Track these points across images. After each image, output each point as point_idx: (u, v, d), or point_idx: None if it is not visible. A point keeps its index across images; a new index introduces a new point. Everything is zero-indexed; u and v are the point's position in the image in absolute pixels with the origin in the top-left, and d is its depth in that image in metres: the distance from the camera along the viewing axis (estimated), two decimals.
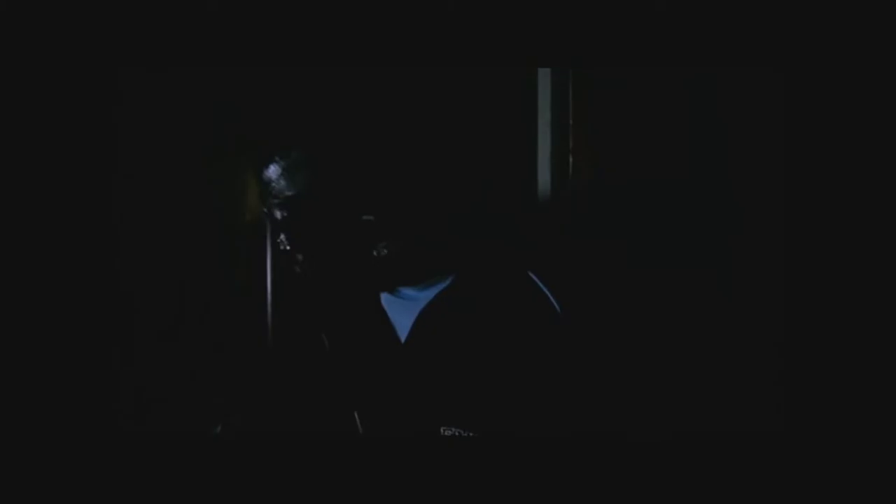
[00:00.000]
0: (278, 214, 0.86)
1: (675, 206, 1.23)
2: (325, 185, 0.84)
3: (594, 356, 0.88)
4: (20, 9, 1.15)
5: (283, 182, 0.85)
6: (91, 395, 1.22)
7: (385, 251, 0.85)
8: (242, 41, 1.28)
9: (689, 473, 0.94)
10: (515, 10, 1.18)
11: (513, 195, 1.30)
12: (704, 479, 0.98)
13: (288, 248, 0.87)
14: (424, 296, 0.93)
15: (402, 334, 0.95)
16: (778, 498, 0.99)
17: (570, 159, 1.26)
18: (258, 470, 1.02)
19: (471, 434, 0.88)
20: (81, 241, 1.24)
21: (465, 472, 0.88)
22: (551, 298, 0.87)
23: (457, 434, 0.88)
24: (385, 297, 0.97)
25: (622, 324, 0.93)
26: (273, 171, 0.86)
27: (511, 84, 1.31)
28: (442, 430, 0.89)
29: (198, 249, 1.52)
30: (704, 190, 1.23)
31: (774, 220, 1.11)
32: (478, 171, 1.06)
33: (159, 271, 1.48)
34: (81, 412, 1.20)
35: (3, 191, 1.15)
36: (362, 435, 1.02)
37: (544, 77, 1.28)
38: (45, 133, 1.20)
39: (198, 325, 1.51)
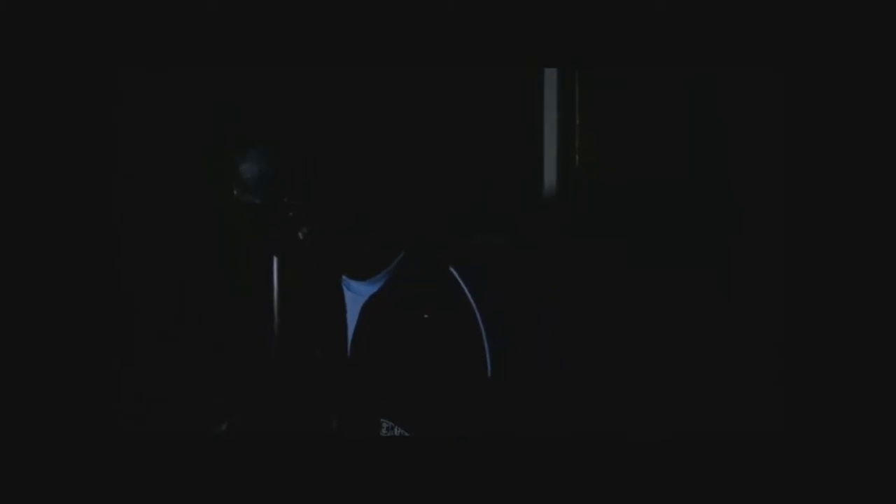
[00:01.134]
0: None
1: (677, 205, 1.23)
2: (321, 181, 0.87)
3: (595, 355, 0.88)
4: (20, 9, 1.15)
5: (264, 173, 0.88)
6: (91, 395, 1.22)
7: (304, 233, 0.88)
8: (242, 41, 1.28)
9: (689, 473, 0.94)
10: (515, 11, 1.18)
11: (518, 194, 1.30)
12: (704, 479, 0.98)
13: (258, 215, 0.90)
14: (367, 290, 0.96)
15: (350, 329, 0.98)
16: (778, 498, 0.99)
17: (577, 159, 1.26)
18: (258, 470, 1.02)
19: (401, 430, 0.89)
20: (81, 241, 1.24)
21: (462, 473, 0.88)
22: (470, 298, 0.88)
23: (390, 428, 0.90)
24: (346, 293, 1.00)
25: (622, 323, 0.93)
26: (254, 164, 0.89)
27: (518, 84, 1.31)
28: (381, 422, 0.91)
29: (198, 249, 1.52)
30: (704, 190, 1.23)
31: (774, 220, 1.11)
32: (483, 171, 1.07)
33: (159, 271, 1.48)
34: (81, 412, 1.19)
35: (4, 191, 1.15)
36: (336, 430, 1.03)
37: (550, 77, 1.28)
38: (46, 133, 1.19)
39: (198, 325, 1.51)
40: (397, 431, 0.89)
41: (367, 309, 0.95)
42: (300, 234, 0.88)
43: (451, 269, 0.89)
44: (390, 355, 0.91)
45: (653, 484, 0.88)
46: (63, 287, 1.21)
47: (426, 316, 0.89)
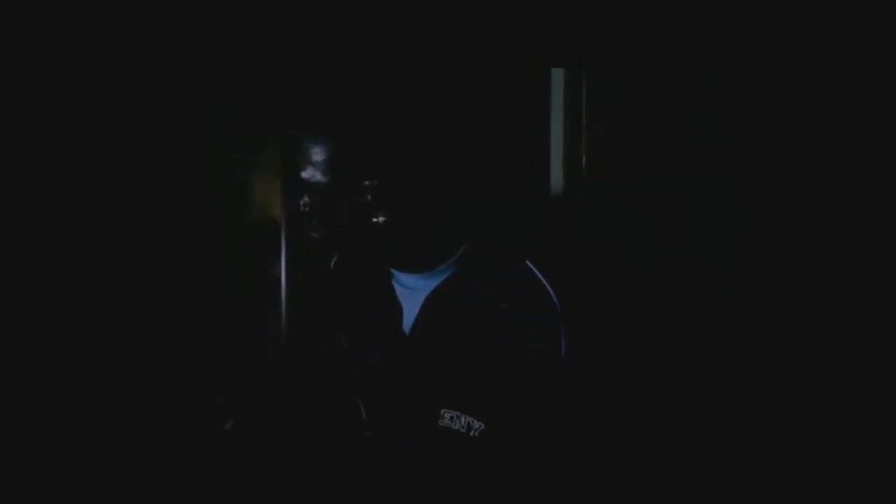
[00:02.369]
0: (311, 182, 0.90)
1: (678, 205, 1.23)
2: (351, 171, 0.88)
3: (595, 355, 0.88)
4: (20, 9, 1.15)
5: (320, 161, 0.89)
6: (91, 395, 1.22)
7: (382, 219, 0.88)
8: (242, 41, 1.28)
9: (689, 473, 0.94)
10: (514, 12, 1.18)
11: (525, 193, 1.30)
12: (704, 479, 0.98)
13: (307, 209, 0.91)
14: (428, 285, 0.95)
15: (408, 323, 0.97)
16: (778, 498, 0.99)
17: (584, 158, 1.26)
18: (258, 470, 1.02)
19: (469, 418, 0.89)
20: (81, 241, 1.24)
21: (465, 472, 0.88)
22: (549, 288, 0.88)
23: (456, 417, 0.90)
24: (396, 287, 0.99)
25: (624, 323, 0.94)
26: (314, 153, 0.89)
27: (526, 84, 1.31)
28: (442, 413, 0.90)
29: (198, 249, 1.52)
30: (705, 190, 1.23)
31: (774, 220, 1.11)
32: (491, 170, 1.07)
33: (159, 271, 1.48)
34: (81, 412, 1.20)
35: (4, 191, 1.15)
36: (365, 422, 1.03)
37: (557, 77, 1.28)
38: (46, 133, 1.19)
39: (198, 325, 1.51)
40: (464, 421, 0.89)
41: (433, 300, 0.95)
42: (377, 220, 0.88)
43: (528, 263, 0.90)
44: (460, 345, 0.91)
45: (653, 484, 0.88)
46: (63, 287, 1.21)
47: (503, 306, 0.89)
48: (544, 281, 0.88)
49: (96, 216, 1.27)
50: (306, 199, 0.91)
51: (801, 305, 1.02)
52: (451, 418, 0.90)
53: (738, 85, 1.20)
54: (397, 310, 0.99)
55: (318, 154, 0.90)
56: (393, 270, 0.98)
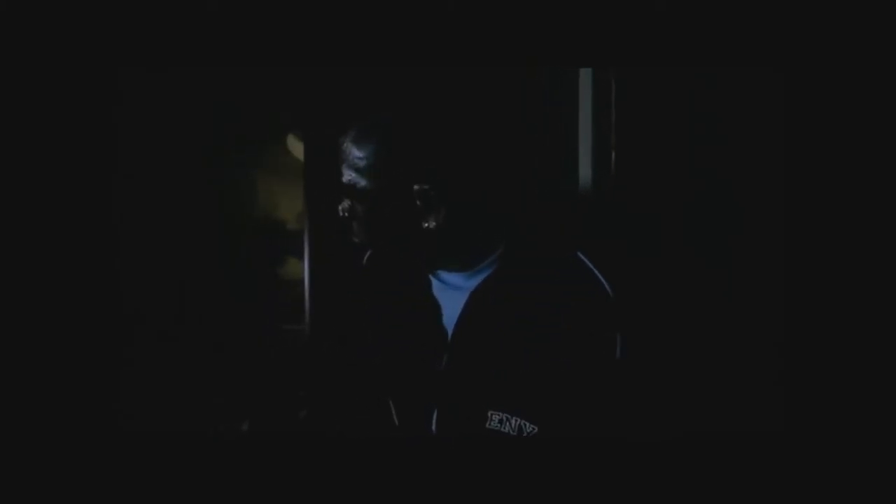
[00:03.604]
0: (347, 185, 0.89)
1: (679, 206, 1.23)
2: (392, 165, 0.87)
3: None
4: (20, 9, 1.15)
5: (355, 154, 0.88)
6: (91, 395, 1.22)
7: (433, 223, 0.87)
8: (242, 41, 1.28)
9: (690, 473, 0.94)
10: (513, 12, 1.18)
11: (551, 191, 1.30)
12: (704, 479, 0.98)
13: (347, 214, 0.90)
14: (470, 284, 0.93)
15: (450, 321, 0.95)
16: (778, 498, 0.99)
17: (613, 156, 1.24)
18: (260, 470, 1.02)
19: (521, 420, 0.87)
20: (81, 241, 1.24)
21: (473, 473, 0.88)
22: (602, 280, 0.86)
23: (506, 419, 0.88)
24: (434, 284, 0.97)
25: (624, 323, 0.93)
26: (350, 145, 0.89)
27: (552, 84, 1.31)
28: (490, 415, 0.89)
29: (198, 249, 1.52)
30: (708, 190, 1.23)
31: (774, 219, 1.11)
32: (520, 167, 1.06)
33: (159, 271, 1.48)
34: (81, 412, 1.20)
35: (4, 190, 1.16)
36: (397, 425, 1.02)
37: (586, 77, 1.27)
38: (46, 133, 1.20)
39: (198, 325, 1.51)
40: (514, 423, 0.87)
41: (479, 297, 0.92)
42: (428, 223, 0.86)
43: (580, 255, 0.88)
44: (513, 343, 0.89)
45: (653, 484, 0.88)
46: (63, 287, 1.21)
47: (562, 303, 0.86)
48: (598, 273, 0.86)
49: (96, 216, 1.27)
50: (346, 203, 0.90)
51: (801, 305, 1.02)
52: (501, 420, 0.87)
53: (738, 85, 1.20)
54: (437, 308, 0.96)
55: (352, 152, 0.88)
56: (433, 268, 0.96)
